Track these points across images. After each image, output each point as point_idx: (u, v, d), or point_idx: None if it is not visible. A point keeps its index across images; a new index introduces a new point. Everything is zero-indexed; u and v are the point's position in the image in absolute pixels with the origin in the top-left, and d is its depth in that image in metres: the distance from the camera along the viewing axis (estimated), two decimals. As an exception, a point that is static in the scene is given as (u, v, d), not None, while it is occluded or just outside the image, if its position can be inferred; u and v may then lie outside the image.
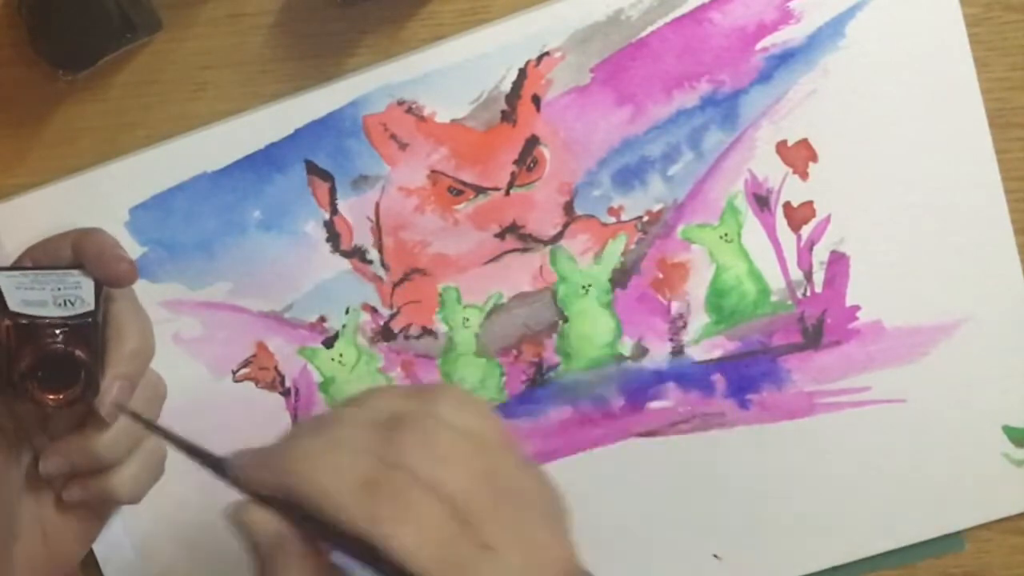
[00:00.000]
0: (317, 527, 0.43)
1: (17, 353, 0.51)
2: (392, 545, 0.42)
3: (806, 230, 0.59)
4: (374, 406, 0.47)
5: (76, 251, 0.55)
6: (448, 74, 0.58)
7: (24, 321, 0.51)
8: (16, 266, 0.56)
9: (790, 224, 0.59)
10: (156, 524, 0.60)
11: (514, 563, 0.43)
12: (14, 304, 0.51)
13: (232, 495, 0.46)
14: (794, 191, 0.59)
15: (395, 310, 0.60)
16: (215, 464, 0.47)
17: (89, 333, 0.52)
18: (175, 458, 0.58)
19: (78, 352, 0.51)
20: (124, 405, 0.54)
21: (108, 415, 0.53)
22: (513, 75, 0.58)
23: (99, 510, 0.58)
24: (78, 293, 0.53)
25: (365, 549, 0.42)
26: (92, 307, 0.53)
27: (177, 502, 0.60)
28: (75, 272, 0.54)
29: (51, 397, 0.52)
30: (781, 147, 0.59)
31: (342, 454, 0.44)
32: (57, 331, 0.52)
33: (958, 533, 0.60)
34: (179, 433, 0.50)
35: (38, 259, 0.55)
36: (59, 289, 0.52)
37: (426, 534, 0.42)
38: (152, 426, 0.53)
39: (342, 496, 0.43)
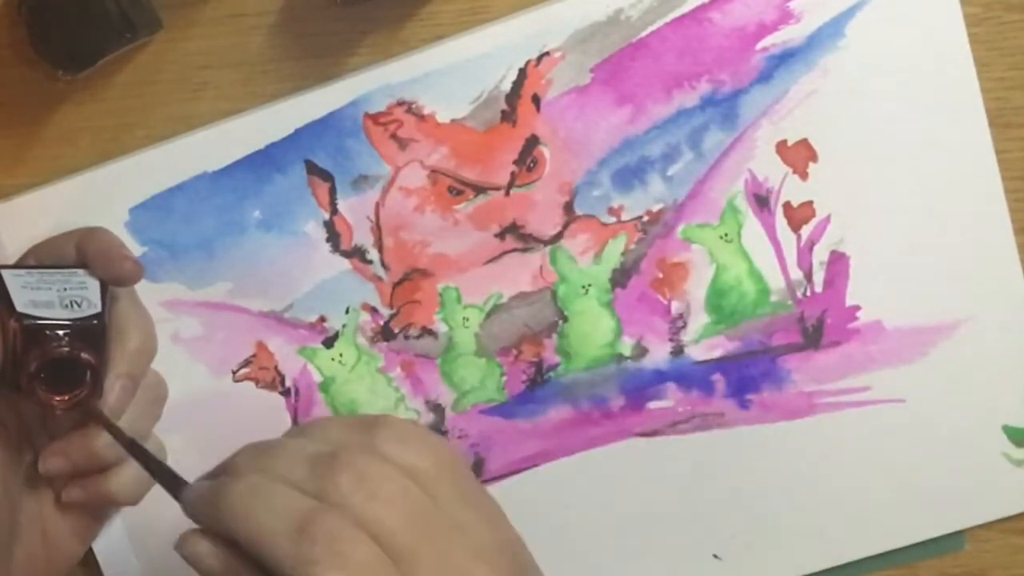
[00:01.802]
0: (260, 566, 0.44)
1: (24, 355, 0.51)
2: None
3: (806, 230, 0.59)
4: (317, 437, 0.47)
5: (80, 250, 0.55)
6: (448, 74, 0.58)
7: (31, 323, 0.51)
8: (21, 264, 0.56)
9: (790, 224, 0.59)
10: (156, 524, 0.60)
11: None
12: (21, 305, 0.51)
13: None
14: (794, 191, 0.59)
15: (395, 310, 0.60)
16: (174, 490, 0.48)
17: (95, 334, 0.52)
18: (175, 459, 0.58)
19: (84, 355, 0.52)
20: (127, 404, 0.54)
21: (111, 415, 0.53)
22: (513, 75, 0.58)
23: (99, 510, 0.58)
24: (84, 294, 0.53)
25: None
26: (99, 308, 0.53)
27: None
28: (80, 272, 0.54)
29: (57, 399, 0.52)
30: (781, 147, 0.59)
31: (277, 494, 0.44)
32: (63, 333, 0.52)
33: (958, 533, 0.60)
34: (149, 451, 0.52)
35: (42, 258, 0.56)
36: (65, 289, 0.52)
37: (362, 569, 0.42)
38: (121, 437, 0.53)
39: (275, 538, 0.43)
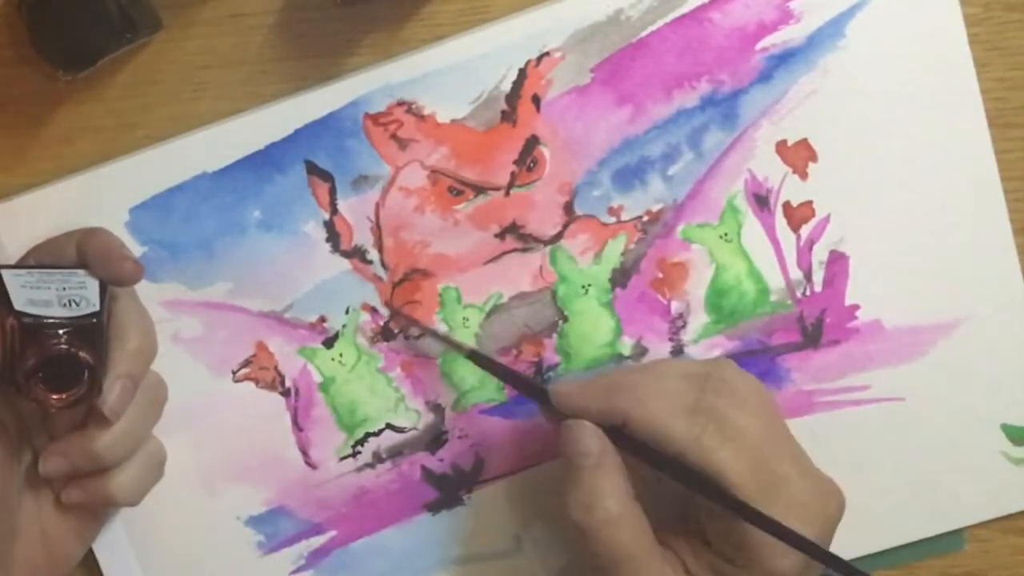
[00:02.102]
0: (638, 447, 0.52)
1: (22, 353, 0.51)
2: (714, 462, 0.50)
3: (806, 230, 0.59)
4: (679, 362, 0.57)
5: (81, 251, 0.55)
6: (448, 74, 0.58)
7: (29, 320, 0.51)
8: (21, 264, 0.56)
9: (790, 224, 0.59)
10: (156, 524, 0.60)
11: (806, 489, 0.51)
12: (20, 303, 0.51)
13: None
14: (794, 191, 0.59)
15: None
16: (537, 393, 0.55)
17: (93, 333, 0.53)
18: (174, 460, 0.59)
19: (82, 353, 0.52)
20: (127, 404, 0.54)
21: (111, 414, 0.53)
22: (513, 75, 0.58)
23: (98, 511, 0.58)
24: (83, 293, 0.53)
25: (679, 468, 0.51)
26: (97, 307, 0.53)
27: (178, 503, 0.60)
28: (80, 272, 0.54)
29: (55, 397, 0.52)
30: (781, 147, 0.59)
31: (669, 384, 0.52)
32: (62, 331, 0.52)
33: (958, 532, 0.61)
34: (501, 362, 0.58)
35: (42, 259, 0.56)
36: (64, 289, 0.52)
37: (741, 457, 0.50)
38: (465, 349, 0.58)
39: (670, 419, 0.51)
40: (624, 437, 0.52)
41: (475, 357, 0.57)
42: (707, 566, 0.52)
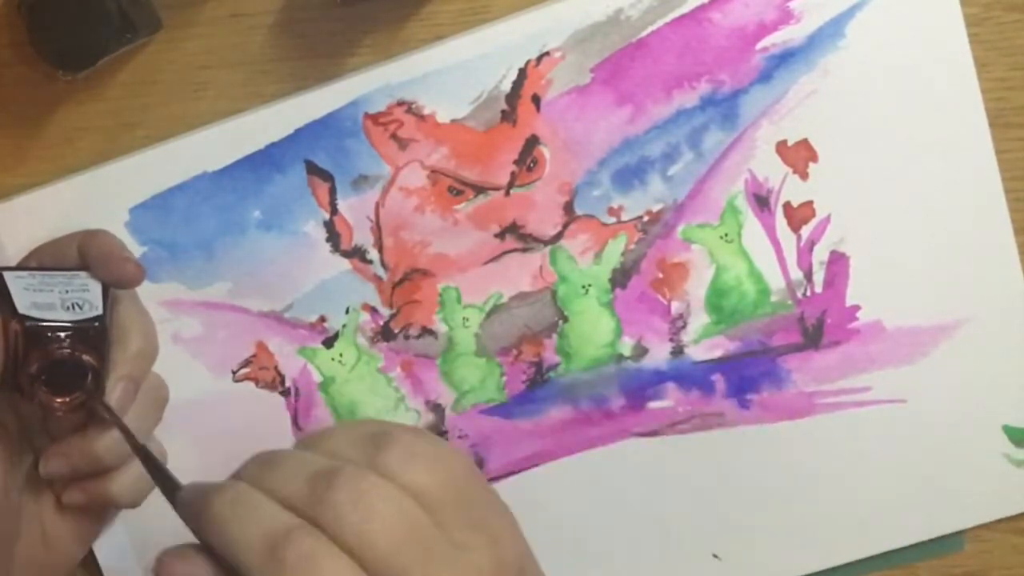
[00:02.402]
0: None
1: (25, 356, 0.51)
2: None
3: (806, 230, 0.59)
4: (323, 449, 0.45)
5: (82, 253, 0.55)
6: (448, 74, 0.58)
7: (33, 324, 0.51)
8: (23, 267, 0.56)
9: (790, 224, 0.59)
10: (156, 525, 0.60)
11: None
12: (23, 307, 0.51)
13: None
14: (794, 191, 0.59)
15: (395, 310, 0.60)
16: (169, 493, 0.47)
17: (97, 336, 0.53)
18: (175, 459, 0.59)
19: (86, 356, 0.52)
20: (129, 406, 0.54)
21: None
22: (513, 75, 0.58)
23: (99, 512, 0.58)
24: (86, 296, 0.53)
25: None
26: (100, 311, 0.53)
27: (177, 502, 0.60)
28: (82, 274, 0.54)
29: (58, 400, 0.52)
30: (781, 147, 0.59)
31: (258, 508, 0.43)
32: (65, 335, 0.52)
33: (958, 533, 0.60)
34: (152, 453, 0.50)
35: (44, 261, 0.56)
36: (67, 291, 0.52)
37: None
38: (128, 435, 0.52)
39: (248, 553, 0.42)
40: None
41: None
42: None
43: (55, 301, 0.52)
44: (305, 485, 0.43)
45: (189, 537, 0.60)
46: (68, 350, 0.52)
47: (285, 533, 0.41)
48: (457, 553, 0.43)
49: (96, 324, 0.53)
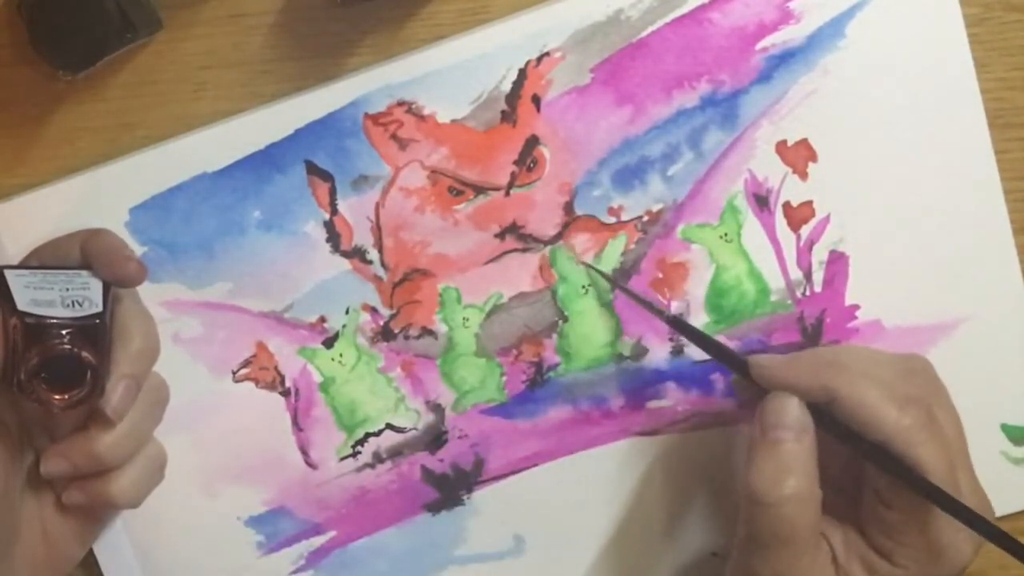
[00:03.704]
0: (841, 428, 0.52)
1: (24, 352, 0.51)
2: (918, 455, 0.50)
3: (806, 230, 0.59)
4: (878, 350, 0.57)
5: (85, 252, 0.55)
6: (448, 74, 0.58)
7: (32, 320, 0.51)
8: (25, 265, 0.56)
9: (790, 224, 0.59)
10: (156, 525, 0.60)
11: (973, 503, 0.52)
12: (23, 303, 0.51)
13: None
14: (794, 191, 0.59)
15: (395, 310, 0.60)
16: (737, 365, 0.55)
17: (97, 334, 0.53)
18: (175, 460, 0.59)
19: (85, 353, 0.52)
20: (130, 405, 0.54)
21: (114, 415, 0.53)
22: (513, 75, 0.58)
23: (99, 512, 0.58)
24: (86, 294, 0.53)
25: (882, 454, 0.51)
26: (100, 308, 0.53)
27: (178, 503, 0.60)
28: (84, 273, 0.54)
29: (57, 397, 0.52)
30: (781, 147, 0.59)
31: (879, 369, 0.53)
32: (65, 332, 0.52)
33: (957, 532, 0.61)
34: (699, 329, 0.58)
35: (46, 259, 0.56)
36: (68, 290, 0.53)
37: (941, 454, 0.51)
38: (652, 308, 0.59)
39: (882, 404, 0.51)
40: (827, 417, 0.52)
41: (676, 323, 0.58)
42: (858, 558, 0.53)
43: (55, 298, 0.52)
44: (890, 369, 0.53)
45: (188, 535, 0.61)
46: (67, 346, 0.52)
47: (909, 394, 0.52)
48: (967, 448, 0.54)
49: (96, 321, 0.53)
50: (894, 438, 0.51)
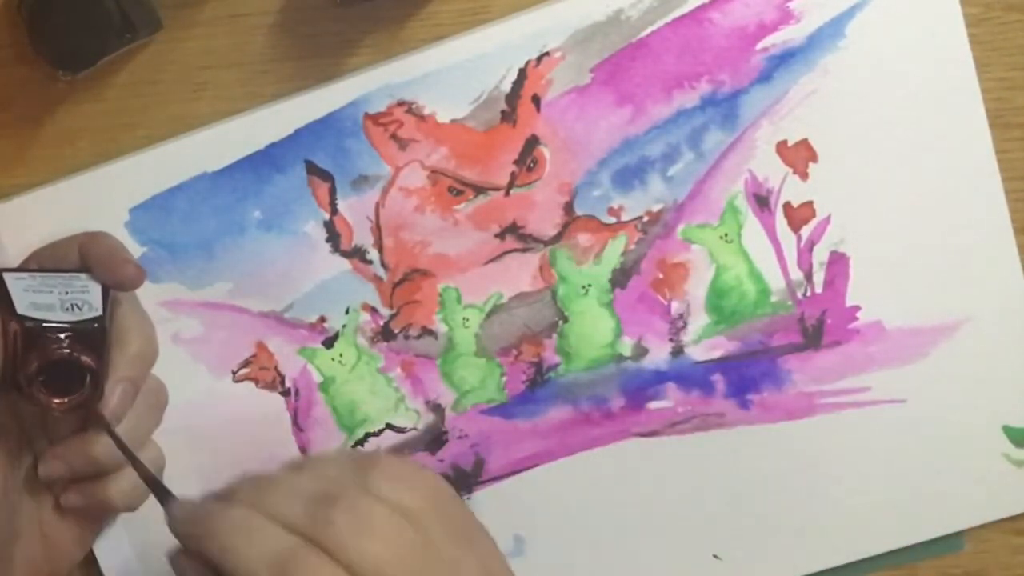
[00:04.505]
0: None
1: (24, 356, 0.51)
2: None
3: (806, 230, 0.59)
4: (315, 474, 0.48)
5: (83, 254, 0.55)
6: (448, 74, 0.58)
7: (32, 324, 0.51)
8: (24, 268, 0.56)
9: (790, 224, 0.59)
10: (156, 525, 0.60)
11: None
12: (22, 307, 0.52)
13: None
14: (794, 191, 0.59)
15: (395, 310, 0.60)
16: (163, 501, 0.50)
17: (96, 338, 0.53)
18: (175, 459, 0.59)
19: (84, 357, 0.52)
20: (128, 408, 0.54)
21: (112, 418, 0.53)
22: (513, 75, 0.58)
23: (98, 515, 0.58)
24: (85, 297, 0.53)
25: None
26: (99, 312, 0.53)
27: (177, 502, 0.60)
28: (82, 276, 0.54)
29: (56, 401, 0.52)
30: (781, 147, 0.59)
31: (262, 530, 0.45)
32: (64, 335, 0.52)
33: (958, 533, 0.60)
34: (143, 463, 0.53)
35: (44, 262, 0.56)
36: (67, 293, 0.53)
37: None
38: (121, 445, 0.53)
39: (253, 570, 0.44)
40: None
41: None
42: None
43: (54, 302, 0.52)
44: (304, 507, 0.45)
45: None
46: (66, 350, 0.52)
47: (291, 554, 0.44)
48: (450, 567, 0.45)
49: (95, 325, 0.53)
50: None
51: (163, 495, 0.50)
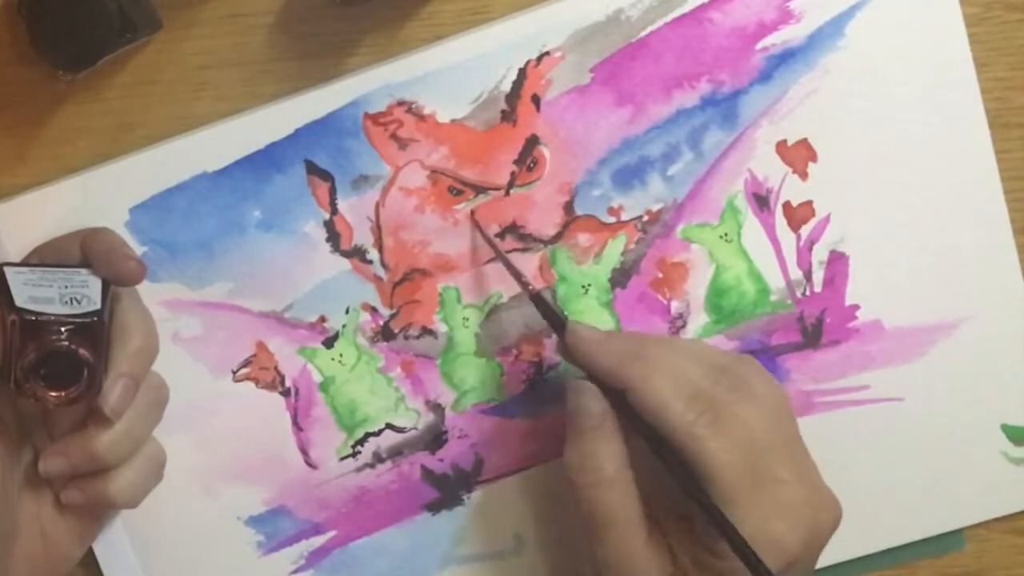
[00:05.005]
0: (634, 417, 0.52)
1: (21, 349, 0.52)
2: (701, 451, 0.50)
3: (806, 230, 0.59)
4: (706, 347, 0.55)
5: (84, 250, 0.55)
6: (448, 74, 0.58)
7: (30, 317, 0.52)
8: (25, 263, 0.56)
9: (790, 224, 0.59)
10: (156, 524, 0.60)
11: (800, 495, 0.51)
12: (21, 300, 0.52)
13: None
14: (794, 191, 0.59)
15: (395, 310, 0.60)
16: (557, 328, 0.55)
17: (94, 332, 0.53)
18: (174, 460, 0.59)
19: (82, 350, 0.52)
20: (128, 404, 0.54)
21: (112, 414, 0.53)
22: (513, 75, 0.58)
23: (98, 512, 0.58)
24: (85, 292, 0.53)
25: (668, 450, 0.51)
26: (98, 306, 0.53)
27: (178, 503, 0.60)
28: (83, 271, 0.54)
29: (53, 394, 0.52)
30: (781, 147, 0.59)
31: (684, 364, 0.52)
32: (62, 329, 0.52)
33: (958, 532, 0.61)
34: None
35: (46, 258, 0.56)
36: (66, 287, 0.53)
37: (734, 451, 0.50)
38: (498, 251, 0.58)
39: (669, 398, 0.51)
40: (625, 405, 0.52)
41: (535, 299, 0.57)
42: (687, 548, 0.52)
43: (54, 296, 0.52)
44: (704, 364, 0.52)
45: (189, 534, 0.60)
46: (64, 343, 0.52)
47: (703, 390, 0.51)
48: (800, 441, 0.53)
49: (94, 319, 0.53)
50: (676, 433, 0.50)
51: (556, 319, 0.55)
